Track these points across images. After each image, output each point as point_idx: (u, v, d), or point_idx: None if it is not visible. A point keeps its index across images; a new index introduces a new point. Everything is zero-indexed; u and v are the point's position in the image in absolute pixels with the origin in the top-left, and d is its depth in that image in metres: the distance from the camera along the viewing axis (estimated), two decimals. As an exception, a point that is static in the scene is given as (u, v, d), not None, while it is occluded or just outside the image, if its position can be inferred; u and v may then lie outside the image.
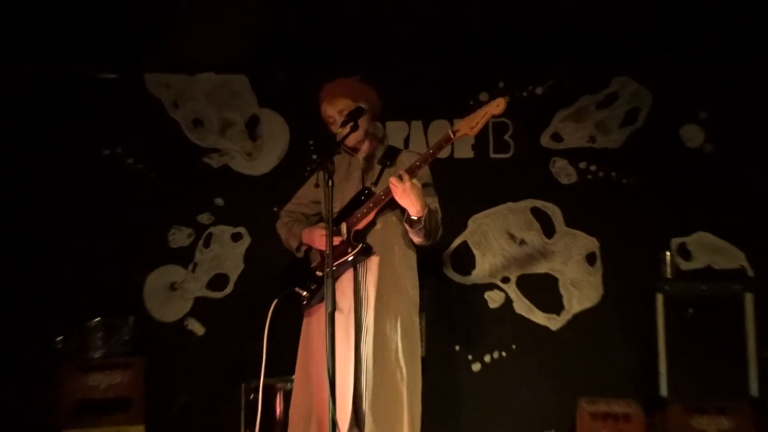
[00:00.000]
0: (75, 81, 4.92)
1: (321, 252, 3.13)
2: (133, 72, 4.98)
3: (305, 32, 4.43)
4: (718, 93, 4.70)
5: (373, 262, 3.06)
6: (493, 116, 2.85)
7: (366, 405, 2.96)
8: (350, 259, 3.04)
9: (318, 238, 3.14)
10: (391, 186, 2.86)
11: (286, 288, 3.25)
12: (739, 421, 4.09)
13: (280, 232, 3.42)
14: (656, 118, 4.77)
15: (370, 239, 3.07)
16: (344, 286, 3.07)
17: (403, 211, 2.98)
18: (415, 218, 2.91)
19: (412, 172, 2.88)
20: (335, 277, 2.99)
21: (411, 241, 3.13)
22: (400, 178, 2.82)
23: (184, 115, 5.00)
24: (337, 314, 2.89)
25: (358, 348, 3.01)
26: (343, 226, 3.07)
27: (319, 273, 3.15)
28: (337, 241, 2.98)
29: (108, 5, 3.96)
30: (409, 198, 2.84)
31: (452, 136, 2.90)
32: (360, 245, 3.02)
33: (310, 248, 3.28)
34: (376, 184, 3.15)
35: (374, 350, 2.99)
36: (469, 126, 2.87)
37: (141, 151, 5.00)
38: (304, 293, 3.20)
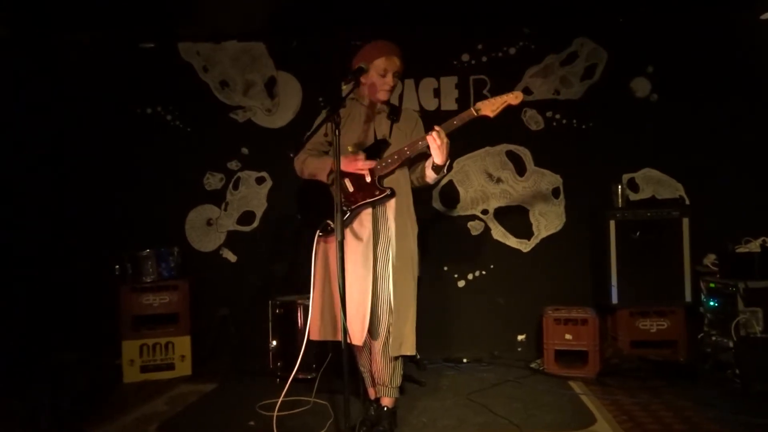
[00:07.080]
0: (121, 51, 5.02)
1: (344, 190, 3.12)
2: (168, 41, 5.05)
3: (313, 5, 4.39)
4: (663, 50, 4.79)
5: (391, 201, 3.17)
6: (510, 105, 2.96)
7: (393, 304, 3.06)
8: (376, 200, 3.13)
9: (349, 165, 3.09)
10: (429, 140, 2.99)
11: (303, 220, 3.22)
12: (675, 322, 4.33)
13: (297, 166, 3.30)
14: (610, 73, 4.87)
15: (388, 182, 3.16)
16: (363, 219, 3.16)
17: (412, 162, 3.24)
18: (441, 164, 3.08)
19: (447, 131, 3.02)
20: (357, 212, 3.12)
21: (408, 184, 3.25)
22: (438, 135, 2.96)
23: (213, 78, 5.08)
24: (356, 242, 3.13)
25: (376, 270, 3.10)
26: (361, 154, 3.13)
27: (344, 208, 3.10)
28: (368, 177, 3.11)
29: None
30: (442, 151, 3.00)
31: (474, 114, 3.00)
32: (387, 190, 3.12)
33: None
34: (389, 136, 3.21)
35: (395, 269, 3.10)
36: (490, 109, 2.97)
37: (178, 109, 5.12)
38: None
